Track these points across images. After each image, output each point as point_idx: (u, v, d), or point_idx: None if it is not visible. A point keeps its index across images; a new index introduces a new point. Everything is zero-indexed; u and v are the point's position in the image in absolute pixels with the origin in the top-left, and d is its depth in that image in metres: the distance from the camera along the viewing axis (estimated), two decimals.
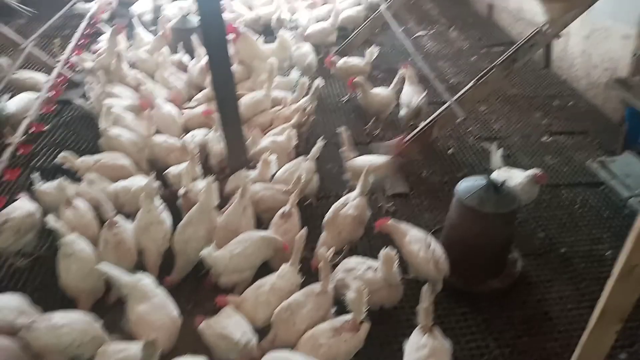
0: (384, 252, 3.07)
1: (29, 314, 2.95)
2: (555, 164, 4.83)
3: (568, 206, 4.32)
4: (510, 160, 4.81)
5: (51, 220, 3.24)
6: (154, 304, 2.99)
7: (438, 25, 8.14)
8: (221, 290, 3.32)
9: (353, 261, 3.31)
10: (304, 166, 4.06)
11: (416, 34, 7.77)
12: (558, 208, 4.30)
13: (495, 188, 3.30)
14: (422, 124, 4.69)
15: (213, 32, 3.66)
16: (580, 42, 5.87)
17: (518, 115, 5.64)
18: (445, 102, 4.60)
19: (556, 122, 5.51)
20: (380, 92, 5.09)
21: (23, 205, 3.63)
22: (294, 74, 5.37)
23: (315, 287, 3.07)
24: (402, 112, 5.15)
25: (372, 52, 5.72)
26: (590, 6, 3.91)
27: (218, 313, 3.00)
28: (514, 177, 3.80)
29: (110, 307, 3.32)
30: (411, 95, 5.07)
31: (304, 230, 3.31)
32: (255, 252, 3.38)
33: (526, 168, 4.63)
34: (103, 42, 6.24)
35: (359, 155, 4.20)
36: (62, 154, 3.96)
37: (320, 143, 4.15)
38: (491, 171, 4.10)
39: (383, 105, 5.09)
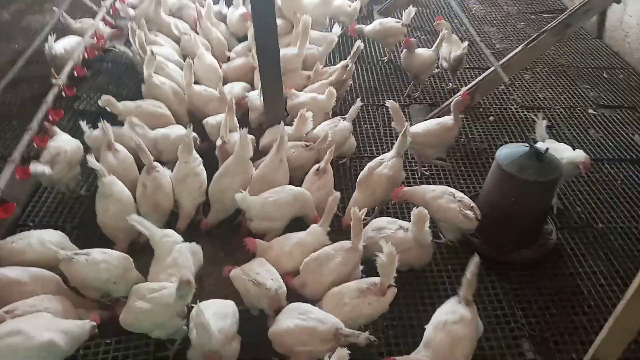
0: (417, 210, 3.06)
1: (69, 249, 3.07)
2: (599, 138, 4.66)
3: (609, 181, 4.19)
4: (553, 132, 4.67)
5: (92, 160, 3.32)
6: (167, 263, 2.98)
7: None
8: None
9: (384, 220, 3.32)
10: (340, 125, 4.03)
11: None
12: (599, 183, 4.17)
13: (538, 155, 3.21)
14: (464, 89, 4.57)
15: None
16: (639, 12, 5.55)
17: (564, 86, 5.43)
18: (490, 68, 4.46)
19: (604, 94, 5.28)
20: (423, 52, 4.95)
21: (70, 140, 3.75)
22: (336, 29, 5.26)
23: (346, 243, 3.09)
24: (444, 64, 5.10)
25: (410, 12, 5.49)
26: None
27: (250, 262, 3.07)
28: (558, 151, 3.63)
29: (142, 249, 3.42)
30: (450, 47, 5.02)
31: (337, 194, 3.30)
32: (288, 204, 3.42)
33: (569, 140, 4.52)
34: None
35: (412, 125, 4.03)
36: (105, 96, 4.02)
37: (358, 103, 4.10)
38: (535, 142, 3.97)
39: (425, 66, 4.96)
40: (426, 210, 3.06)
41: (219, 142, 3.88)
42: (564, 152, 3.62)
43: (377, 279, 2.85)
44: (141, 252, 3.38)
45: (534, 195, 3.26)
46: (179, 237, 3.15)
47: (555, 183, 3.28)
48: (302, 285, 3.02)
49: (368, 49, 6.02)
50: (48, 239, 3.08)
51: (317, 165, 3.67)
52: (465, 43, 4.97)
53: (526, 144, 3.29)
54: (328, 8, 5.78)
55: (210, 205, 3.62)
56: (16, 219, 3.61)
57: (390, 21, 5.66)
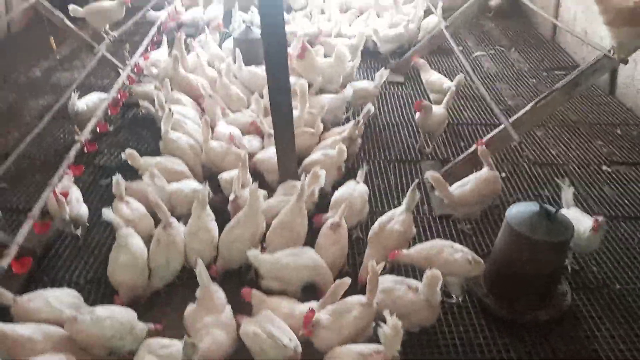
0: (431, 272, 3.03)
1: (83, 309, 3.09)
2: (614, 195, 4.61)
3: (626, 240, 4.11)
4: None
5: (107, 214, 3.42)
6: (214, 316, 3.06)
7: (498, 46, 7.98)
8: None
9: (390, 280, 3.28)
10: (359, 189, 4.02)
11: (475, 54, 7.66)
12: (615, 242, 4.09)
13: (548, 215, 3.20)
14: (475, 145, 4.61)
15: (274, 43, 3.73)
16: None
17: (577, 142, 5.44)
18: (500, 126, 4.50)
19: (618, 151, 5.27)
20: (436, 111, 5.02)
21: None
22: (348, 90, 5.41)
23: (361, 298, 3.06)
24: (432, 96, 5.76)
25: (382, 74, 5.57)
26: None
27: (256, 315, 3.05)
28: (580, 220, 3.56)
29: (146, 306, 3.46)
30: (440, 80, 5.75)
31: (346, 279, 3.17)
32: (302, 271, 3.38)
33: (583, 197, 4.49)
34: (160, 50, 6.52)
35: (451, 186, 4.04)
36: (128, 150, 4.17)
37: (364, 167, 4.15)
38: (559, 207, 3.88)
39: (438, 124, 5.03)
40: (439, 272, 3.04)
41: (231, 197, 3.96)
42: (585, 222, 3.54)
43: (380, 347, 2.75)
44: (148, 306, 3.45)
45: (545, 256, 3.22)
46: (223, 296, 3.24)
47: (566, 244, 3.25)
48: (317, 333, 2.96)
49: (380, 104, 6.16)
50: (60, 299, 3.13)
51: (331, 220, 3.69)
52: (461, 75, 5.48)
53: (536, 203, 3.29)
54: (342, 67, 5.95)
55: (218, 254, 3.67)
56: (31, 273, 3.68)
57: (361, 83, 5.77)
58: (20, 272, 3.29)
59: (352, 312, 3.00)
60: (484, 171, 4.07)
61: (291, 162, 4.27)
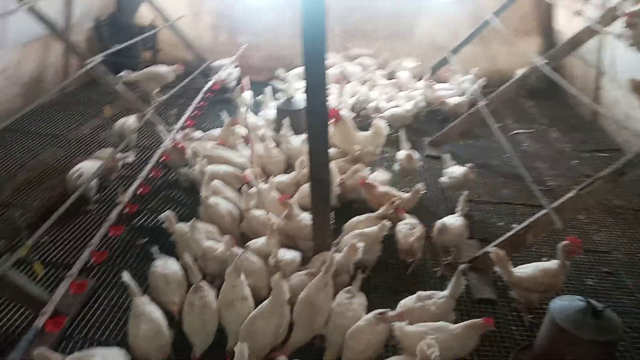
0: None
1: None
2: None
3: None
4: (612, 280, 4.46)
5: (125, 277, 3.46)
6: None
7: (538, 125, 7.97)
8: None
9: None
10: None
11: (514, 131, 7.66)
12: None
13: (595, 312, 3.06)
14: (517, 228, 4.50)
15: (316, 116, 3.82)
16: None
17: (622, 229, 5.25)
18: (542, 207, 4.40)
19: None
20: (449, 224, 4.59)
21: None
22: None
23: None
24: None
25: (419, 189, 5.09)
26: None
27: None
28: None
29: None
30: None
31: None
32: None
33: (630, 290, 4.28)
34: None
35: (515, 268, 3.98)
36: (167, 212, 4.22)
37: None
38: None
39: (458, 236, 4.62)
40: None
41: (272, 262, 4.00)
42: None
43: None
44: None
45: (591, 355, 3.05)
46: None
47: (614, 344, 3.08)
48: None
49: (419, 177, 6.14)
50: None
51: (378, 311, 3.52)
52: None
53: (582, 298, 3.16)
54: (379, 140, 6.05)
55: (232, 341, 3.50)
56: (64, 331, 3.69)
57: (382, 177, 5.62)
58: (54, 331, 3.31)
59: None
60: (551, 263, 3.90)
61: (326, 236, 4.26)
